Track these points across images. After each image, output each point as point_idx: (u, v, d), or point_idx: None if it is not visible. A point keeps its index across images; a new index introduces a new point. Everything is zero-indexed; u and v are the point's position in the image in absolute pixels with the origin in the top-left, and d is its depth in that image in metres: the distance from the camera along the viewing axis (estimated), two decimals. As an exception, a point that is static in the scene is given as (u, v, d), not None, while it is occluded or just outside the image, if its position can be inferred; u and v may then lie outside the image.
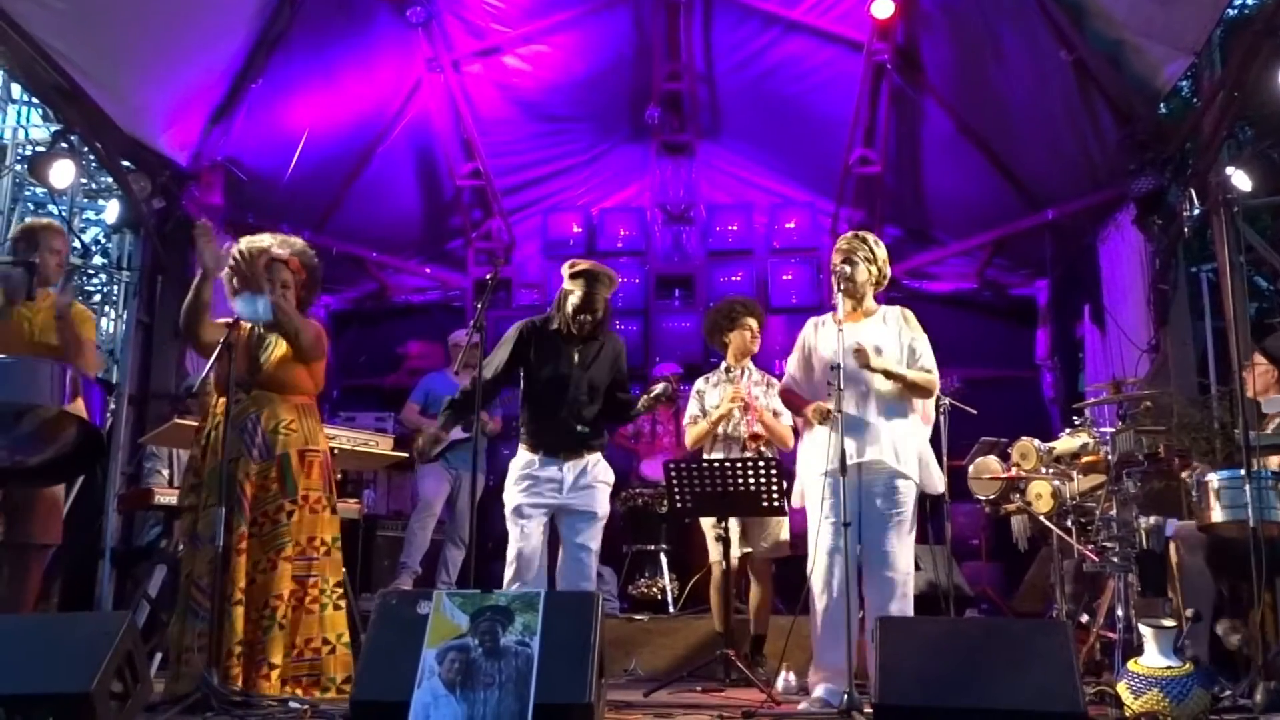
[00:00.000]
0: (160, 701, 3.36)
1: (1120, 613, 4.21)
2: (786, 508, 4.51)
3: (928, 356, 4.01)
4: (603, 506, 4.24)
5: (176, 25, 5.62)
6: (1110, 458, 4.49)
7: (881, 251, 4.13)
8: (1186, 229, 5.80)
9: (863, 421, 3.87)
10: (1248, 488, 3.55)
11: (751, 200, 8.51)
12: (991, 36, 6.44)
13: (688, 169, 8.47)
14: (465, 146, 7.85)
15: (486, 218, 8.48)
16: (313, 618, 3.77)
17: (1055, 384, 7.81)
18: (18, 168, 10.37)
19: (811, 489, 4.02)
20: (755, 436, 4.91)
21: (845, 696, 3.53)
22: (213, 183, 6.61)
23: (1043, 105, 6.54)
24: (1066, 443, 4.88)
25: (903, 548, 3.88)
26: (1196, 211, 5.69)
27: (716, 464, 4.49)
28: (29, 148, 10.48)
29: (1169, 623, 3.42)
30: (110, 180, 8.47)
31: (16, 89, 10.65)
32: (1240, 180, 5.07)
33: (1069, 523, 4.82)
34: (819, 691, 3.82)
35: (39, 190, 10.53)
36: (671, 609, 5.99)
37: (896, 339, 4.00)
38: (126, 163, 6.16)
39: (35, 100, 9.81)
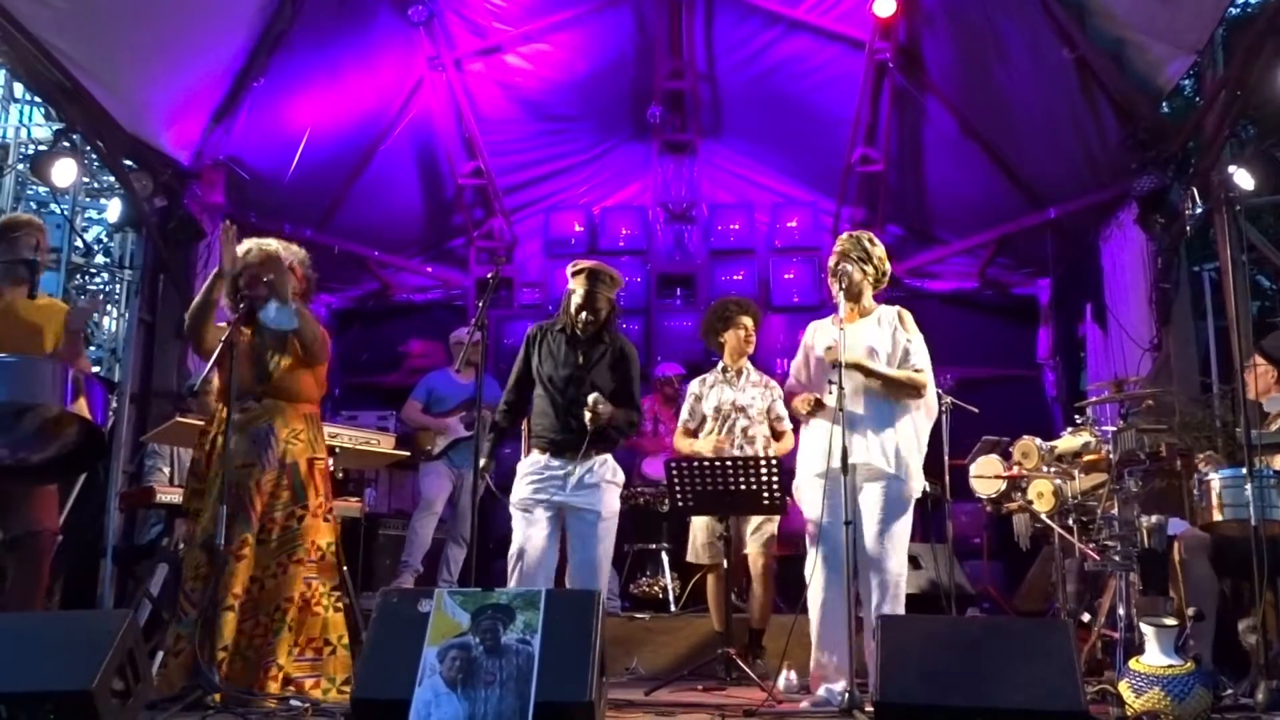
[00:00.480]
0: (161, 700, 3.36)
1: (1121, 611, 4.20)
2: (785, 506, 4.51)
3: (921, 357, 4.01)
4: (608, 506, 4.18)
5: (178, 24, 5.62)
6: (1112, 457, 4.48)
7: (879, 251, 4.13)
8: (1189, 228, 5.81)
9: (852, 422, 3.85)
10: (1249, 487, 3.55)
11: (753, 199, 8.51)
12: (993, 35, 6.43)
13: (689, 168, 8.47)
14: (467, 145, 7.85)
15: (488, 216, 8.48)
16: (316, 619, 3.81)
17: (1057, 383, 7.80)
18: (20, 167, 10.40)
19: (807, 489, 4.02)
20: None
21: (846, 695, 3.54)
22: (214, 181, 6.60)
23: (1045, 104, 6.53)
24: (1068, 441, 4.87)
25: (894, 548, 3.86)
26: (1199, 210, 5.70)
27: (717, 463, 4.49)
28: (31, 147, 10.52)
29: (1170, 621, 3.42)
30: (112, 179, 8.50)
31: (19, 88, 10.69)
32: (1242, 179, 5.07)
33: (1070, 521, 4.81)
34: (819, 690, 3.82)
35: (41, 189, 10.57)
36: (673, 608, 5.99)
37: (890, 339, 4.00)
38: (128, 162, 6.16)
39: (37, 99, 9.84)
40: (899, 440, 3.92)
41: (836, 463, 3.77)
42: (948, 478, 5.48)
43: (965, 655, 2.94)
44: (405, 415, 6.75)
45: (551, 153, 8.19)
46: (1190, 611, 3.74)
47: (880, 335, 4.00)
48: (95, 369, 10.13)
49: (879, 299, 4.19)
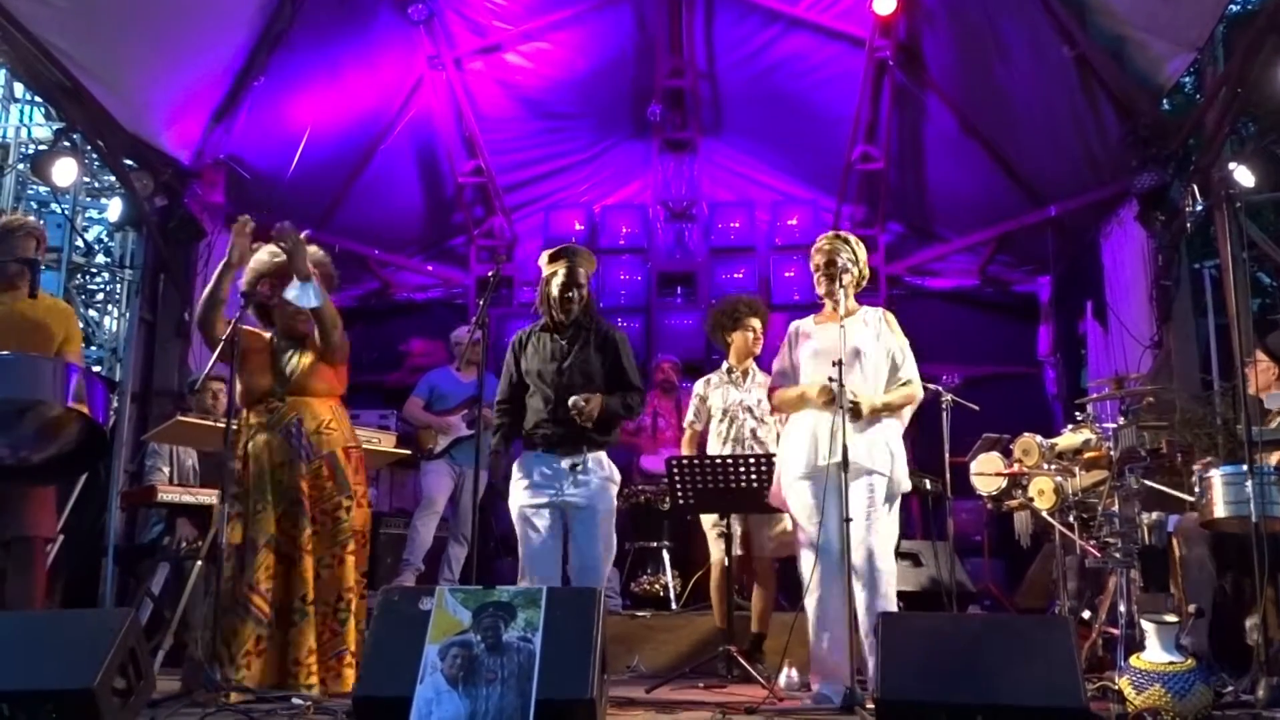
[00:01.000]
0: (162, 698, 3.37)
1: (1122, 608, 4.20)
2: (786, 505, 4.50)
3: (908, 365, 4.02)
4: (604, 502, 4.12)
5: (178, 23, 5.62)
6: (1112, 454, 4.48)
7: (862, 252, 4.14)
8: (1189, 225, 5.80)
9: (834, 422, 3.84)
10: (1249, 483, 3.55)
11: (753, 197, 8.51)
12: (994, 32, 6.43)
13: (690, 166, 8.47)
14: (467, 144, 7.85)
15: (488, 215, 8.49)
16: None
17: (1057, 380, 7.80)
18: (20, 166, 10.41)
19: (792, 490, 4.00)
20: None
21: (846, 692, 3.54)
22: (215, 181, 6.61)
23: (1045, 101, 6.53)
24: (1069, 439, 4.87)
25: (881, 545, 3.85)
26: (1199, 207, 5.70)
27: (718, 460, 4.49)
28: (31, 146, 10.52)
29: (1171, 618, 3.42)
30: (113, 178, 8.49)
31: (19, 88, 10.69)
32: (1243, 176, 5.06)
33: (1071, 519, 4.81)
34: (820, 688, 3.82)
35: (42, 189, 10.57)
36: (674, 605, 5.98)
37: (875, 341, 4.00)
38: (129, 161, 6.16)
39: (37, 99, 9.85)
40: (886, 437, 3.92)
41: (823, 461, 3.78)
42: (948, 475, 5.48)
43: (966, 652, 2.94)
44: (407, 413, 6.75)
45: (552, 151, 8.20)
46: (1191, 608, 3.75)
47: (866, 335, 4.00)
48: (96, 369, 10.17)
49: (860, 300, 4.18)
